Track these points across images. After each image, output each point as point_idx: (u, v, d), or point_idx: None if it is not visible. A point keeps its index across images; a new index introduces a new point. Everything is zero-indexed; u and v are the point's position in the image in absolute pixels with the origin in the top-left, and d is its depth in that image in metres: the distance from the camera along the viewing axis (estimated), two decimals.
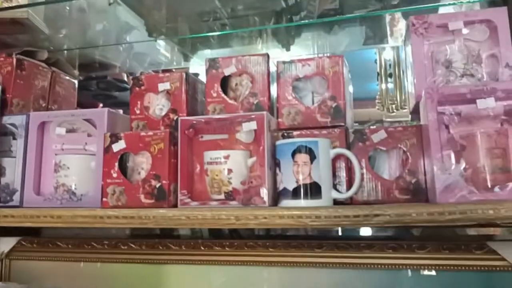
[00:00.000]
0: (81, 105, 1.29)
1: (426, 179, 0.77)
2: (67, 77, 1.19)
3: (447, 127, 0.74)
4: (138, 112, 0.93)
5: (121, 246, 0.90)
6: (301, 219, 0.69)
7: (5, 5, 0.97)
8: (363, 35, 1.23)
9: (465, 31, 0.85)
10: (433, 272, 0.75)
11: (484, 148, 0.71)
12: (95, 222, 0.78)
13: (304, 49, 1.40)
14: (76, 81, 1.23)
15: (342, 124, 0.84)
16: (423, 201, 0.77)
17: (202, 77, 0.96)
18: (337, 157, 0.81)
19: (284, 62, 0.90)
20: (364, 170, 0.80)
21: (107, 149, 0.84)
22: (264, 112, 0.81)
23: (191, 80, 0.95)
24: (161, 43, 1.26)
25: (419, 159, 0.79)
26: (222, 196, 0.79)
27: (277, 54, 1.34)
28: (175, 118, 0.90)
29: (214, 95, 0.91)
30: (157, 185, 0.80)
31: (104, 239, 0.91)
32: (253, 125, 0.80)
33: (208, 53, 1.42)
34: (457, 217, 0.63)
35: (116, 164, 0.83)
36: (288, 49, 1.26)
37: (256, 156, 0.79)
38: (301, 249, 0.81)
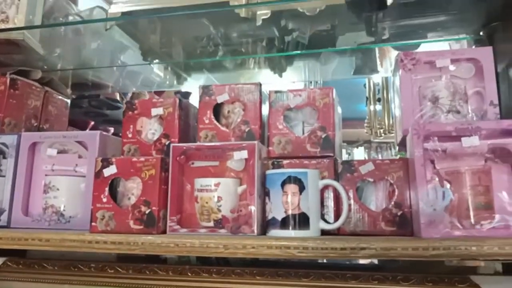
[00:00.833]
0: (72, 122, 1.30)
1: (411, 212, 0.79)
2: (60, 97, 1.20)
3: (432, 162, 0.76)
4: (130, 135, 0.94)
5: (108, 269, 0.90)
6: (289, 250, 0.70)
7: (2, 26, 0.98)
8: (353, 65, 1.26)
9: (452, 68, 0.88)
10: None
11: (468, 184, 0.73)
12: (83, 247, 0.78)
13: (296, 73, 1.43)
14: (68, 100, 1.23)
15: (331, 154, 0.86)
16: (408, 233, 0.78)
17: (195, 97, 0.97)
18: (325, 187, 0.83)
19: (276, 92, 0.92)
20: (352, 201, 0.82)
21: (98, 174, 0.85)
22: (255, 142, 0.82)
23: (184, 105, 0.96)
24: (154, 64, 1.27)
25: (405, 191, 0.81)
26: (211, 224, 0.80)
27: (270, 77, 1.36)
28: (167, 143, 0.91)
29: (207, 121, 0.92)
30: (147, 211, 0.80)
31: (91, 262, 0.91)
32: (244, 154, 0.81)
33: (201, 74, 1.44)
34: (441, 252, 0.65)
35: (107, 189, 0.83)
36: (280, 76, 1.29)
37: (246, 184, 0.81)
38: (288, 278, 0.82)
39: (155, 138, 0.94)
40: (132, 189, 0.83)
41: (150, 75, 1.47)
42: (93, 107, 1.55)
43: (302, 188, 0.77)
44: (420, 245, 0.66)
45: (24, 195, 0.97)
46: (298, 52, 1.14)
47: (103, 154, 0.93)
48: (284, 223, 0.76)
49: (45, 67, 1.13)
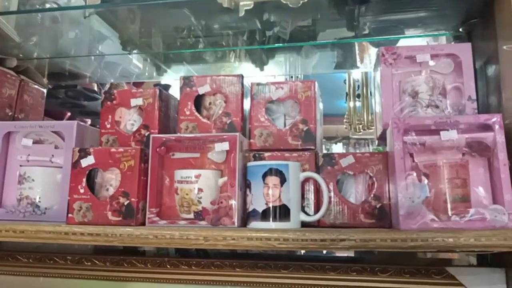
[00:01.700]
0: (48, 112, 1.27)
1: (390, 205, 0.80)
2: (36, 86, 1.16)
3: (411, 155, 0.77)
4: (108, 126, 0.92)
5: (84, 261, 0.88)
6: (269, 241, 0.70)
7: None
8: (334, 59, 1.27)
9: (431, 63, 0.89)
10: None
11: (446, 177, 0.74)
12: (60, 238, 0.77)
13: (277, 67, 1.43)
14: (45, 90, 1.20)
15: (313, 147, 0.86)
16: (387, 225, 0.79)
17: (175, 90, 0.95)
18: (306, 180, 0.83)
19: (258, 84, 0.92)
20: (332, 194, 0.82)
21: (75, 164, 0.83)
22: (237, 134, 0.82)
23: (164, 97, 0.95)
24: (133, 54, 1.25)
25: (385, 184, 0.82)
26: (191, 216, 0.79)
27: (251, 71, 1.36)
28: (146, 134, 0.90)
29: (187, 113, 0.91)
30: (126, 203, 0.79)
31: (67, 254, 0.89)
32: (225, 145, 0.81)
33: (181, 66, 1.42)
34: (418, 244, 0.66)
35: (84, 179, 0.81)
36: (262, 69, 1.28)
37: (227, 176, 0.80)
38: (268, 269, 0.82)
39: (134, 129, 0.92)
40: (111, 180, 0.82)
41: (129, 66, 1.45)
42: (70, 98, 1.51)
43: (283, 180, 0.77)
44: (399, 236, 0.67)
45: None
46: (280, 45, 1.14)
47: (81, 144, 0.91)
48: (264, 215, 0.76)
49: (21, 55, 1.10)
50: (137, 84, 1.64)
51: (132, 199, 0.79)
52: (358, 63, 1.33)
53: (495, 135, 0.73)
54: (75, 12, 1.05)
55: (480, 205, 0.73)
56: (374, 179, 0.82)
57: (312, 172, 0.82)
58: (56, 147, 0.97)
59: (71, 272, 0.89)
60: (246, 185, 0.80)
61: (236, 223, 0.77)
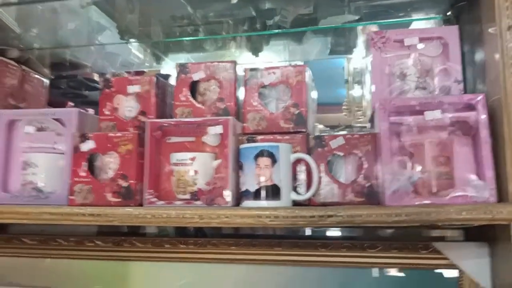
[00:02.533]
0: (50, 102, 1.30)
1: (378, 184, 0.83)
2: (37, 76, 1.20)
3: (398, 136, 0.80)
4: (107, 113, 0.96)
5: (87, 243, 0.92)
6: (261, 219, 0.73)
7: None
8: (328, 45, 1.29)
9: (420, 46, 0.91)
10: (383, 270, 0.81)
11: (430, 156, 0.77)
12: (62, 220, 0.80)
13: (276, 55, 1.45)
14: (46, 80, 1.23)
15: (304, 130, 0.89)
16: (376, 203, 0.82)
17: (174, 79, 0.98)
18: (297, 161, 0.86)
19: (251, 70, 0.94)
20: (323, 174, 0.85)
21: (75, 149, 0.86)
22: (230, 117, 0.85)
23: (160, 84, 0.98)
24: (133, 44, 1.28)
25: (374, 165, 0.84)
26: (187, 196, 0.83)
27: (250, 59, 1.38)
28: (143, 120, 0.93)
29: (183, 99, 0.94)
30: (124, 185, 0.82)
31: (70, 236, 0.93)
32: (219, 129, 0.84)
33: (181, 55, 1.45)
34: (402, 219, 0.69)
35: (84, 163, 0.85)
36: (256, 55, 1.31)
37: (221, 159, 0.83)
38: (262, 247, 0.86)
39: (132, 115, 0.95)
40: (110, 163, 0.85)
41: (128, 56, 1.48)
42: (71, 88, 1.54)
43: (274, 161, 0.80)
44: (384, 212, 0.70)
45: (2, 172, 0.99)
46: (277, 31, 1.16)
47: (81, 131, 0.94)
48: (256, 195, 0.79)
49: (21, 46, 1.13)
50: (138, 74, 1.67)
51: (131, 181, 0.83)
52: (354, 49, 1.35)
53: (478, 114, 0.76)
54: (73, 3, 1.08)
55: (464, 182, 0.76)
56: (363, 159, 0.85)
57: (303, 153, 0.85)
58: (58, 134, 1.01)
59: (74, 253, 0.93)
60: (239, 167, 0.83)
61: (229, 203, 0.80)
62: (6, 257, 0.97)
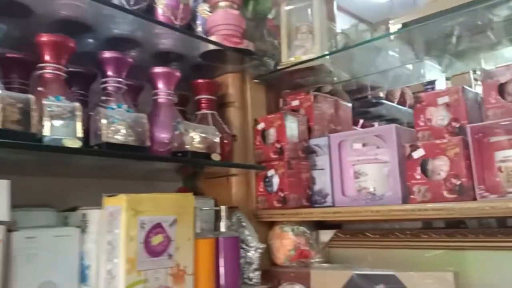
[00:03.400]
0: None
1: None
2: (344, 103, 1.48)
3: None
4: (422, 124, 1.13)
5: (421, 235, 1.10)
6: None
7: (304, 57, 1.30)
8: None
9: None
10: None
11: None
12: (408, 215, 1.00)
13: None
14: (350, 105, 1.51)
15: None
16: None
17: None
18: None
19: None
20: None
21: (408, 157, 1.06)
22: None
23: (466, 91, 1.09)
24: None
25: None
26: None
27: None
28: (457, 126, 1.06)
29: (493, 101, 1.03)
30: (457, 183, 0.97)
31: (406, 230, 1.13)
32: None
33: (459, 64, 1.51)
34: None
35: (418, 168, 1.03)
36: None
37: None
38: None
39: (444, 123, 1.10)
40: (440, 166, 1.01)
41: (401, 69, 1.63)
42: (359, 107, 1.81)
43: None
44: None
45: (340, 182, 1.27)
46: None
47: (399, 143, 1.14)
48: None
49: (335, 78, 1.42)
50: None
51: (463, 179, 0.96)
52: None
53: None
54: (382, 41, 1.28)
55: None
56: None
57: None
58: (377, 147, 1.24)
59: (409, 244, 1.13)
60: None
61: None
62: (353, 248, 1.23)
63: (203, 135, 1.10)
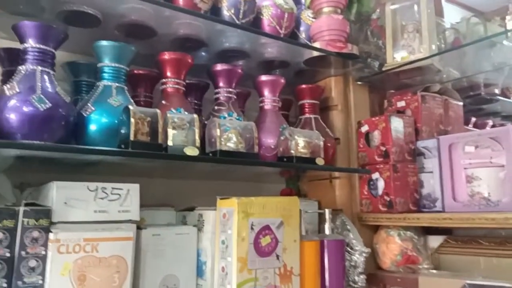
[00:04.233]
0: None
1: None
2: (455, 102, 1.41)
3: None
4: None
5: None
6: None
7: (412, 57, 1.26)
8: None
9: None
10: None
11: None
12: None
13: None
14: (461, 103, 1.43)
15: None
16: None
17: None
18: None
19: None
20: None
21: None
22: None
23: None
24: None
25: None
26: None
27: None
28: None
29: None
30: None
31: None
32: None
33: None
34: None
35: None
36: None
37: None
38: None
39: None
40: None
41: None
42: (470, 104, 1.69)
43: None
44: None
45: (450, 186, 1.21)
46: None
47: None
48: None
49: (444, 76, 1.36)
50: None
51: None
52: None
53: None
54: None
55: None
56: None
57: None
58: (493, 150, 1.16)
59: None
60: None
61: None
62: (463, 255, 1.18)
63: (307, 140, 1.13)
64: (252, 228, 0.95)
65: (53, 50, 0.86)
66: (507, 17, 1.04)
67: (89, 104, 0.89)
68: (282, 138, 1.13)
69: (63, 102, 0.83)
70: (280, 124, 1.17)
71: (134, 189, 0.90)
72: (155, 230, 0.94)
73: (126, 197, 0.89)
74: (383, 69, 1.31)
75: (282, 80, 1.21)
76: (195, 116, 0.96)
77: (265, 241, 0.97)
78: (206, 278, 0.99)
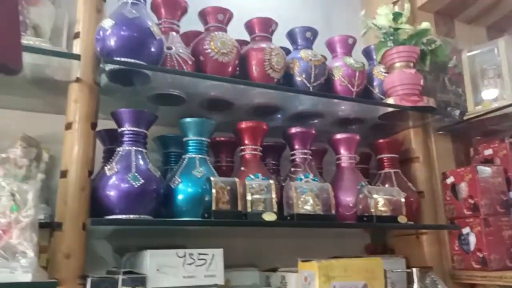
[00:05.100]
0: None
1: None
2: None
3: None
4: None
5: None
6: None
7: (495, 105, 1.21)
8: None
9: None
10: None
11: None
12: None
13: None
14: None
15: None
16: None
17: None
18: None
19: None
20: None
21: None
22: None
23: None
24: None
25: None
26: None
27: None
28: None
29: None
30: None
31: None
32: None
33: None
34: None
35: None
36: None
37: None
38: None
39: None
40: None
41: None
42: None
43: None
44: None
45: None
46: None
47: None
48: None
49: None
50: None
51: None
52: None
53: None
54: None
55: None
56: None
57: None
58: None
59: None
60: None
61: None
62: None
63: (387, 197, 1.12)
64: None
65: (145, 131, 0.97)
66: None
67: (176, 176, 0.98)
68: (360, 196, 1.13)
69: (154, 177, 0.93)
70: (358, 181, 1.17)
71: (218, 253, 0.95)
72: None
73: (211, 262, 0.94)
74: (465, 118, 1.27)
75: (357, 137, 1.22)
76: (271, 182, 1.00)
77: None
78: None
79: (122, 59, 0.91)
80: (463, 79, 1.31)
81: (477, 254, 1.17)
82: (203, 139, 1.03)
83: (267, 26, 1.17)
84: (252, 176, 1.04)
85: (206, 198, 0.95)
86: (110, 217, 0.88)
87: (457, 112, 1.30)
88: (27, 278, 0.73)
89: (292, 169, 1.15)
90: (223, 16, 1.12)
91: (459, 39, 1.48)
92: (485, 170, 1.22)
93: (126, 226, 0.95)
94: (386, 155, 1.28)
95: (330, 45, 1.30)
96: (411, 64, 1.24)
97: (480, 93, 1.28)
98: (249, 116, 1.18)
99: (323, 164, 1.32)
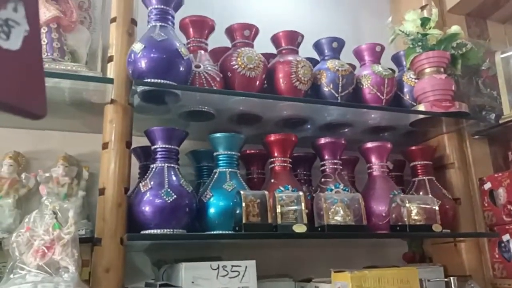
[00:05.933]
0: None
1: None
2: None
3: None
4: None
5: None
6: None
7: None
8: None
9: None
10: None
11: None
12: None
13: None
14: None
15: None
16: None
17: None
18: None
19: None
20: None
21: None
22: None
23: None
24: None
25: None
26: None
27: None
28: None
29: None
30: None
31: None
32: None
33: None
34: None
35: None
36: None
37: None
38: None
39: None
40: None
41: None
42: None
43: None
44: None
45: None
46: None
47: None
48: None
49: None
50: None
51: None
52: None
53: None
54: None
55: None
56: None
57: None
58: None
59: None
60: None
61: None
62: None
63: (421, 205, 1.10)
64: None
65: (177, 148, 1.01)
66: None
67: (208, 191, 1.01)
68: (393, 205, 1.12)
69: (186, 193, 0.96)
70: (390, 190, 1.16)
71: (251, 265, 0.97)
72: None
73: (244, 273, 0.96)
74: (500, 121, 1.24)
75: (388, 145, 1.21)
76: (301, 193, 1.01)
77: None
78: None
79: (153, 80, 0.95)
80: (497, 81, 1.27)
81: None
82: (233, 153, 1.06)
83: (293, 39, 1.18)
84: (282, 188, 1.05)
85: (237, 211, 0.97)
86: (146, 232, 0.92)
87: (493, 116, 1.27)
88: None
89: (323, 179, 1.15)
90: (249, 32, 1.14)
91: (493, 40, 1.44)
92: None
93: (161, 241, 0.99)
94: (419, 162, 1.26)
95: (357, 54, 1.30)
96: (442, 69, 1.22)
97: None
98: (279, 128, 1.20)
99: (355, 173, 1.32)
